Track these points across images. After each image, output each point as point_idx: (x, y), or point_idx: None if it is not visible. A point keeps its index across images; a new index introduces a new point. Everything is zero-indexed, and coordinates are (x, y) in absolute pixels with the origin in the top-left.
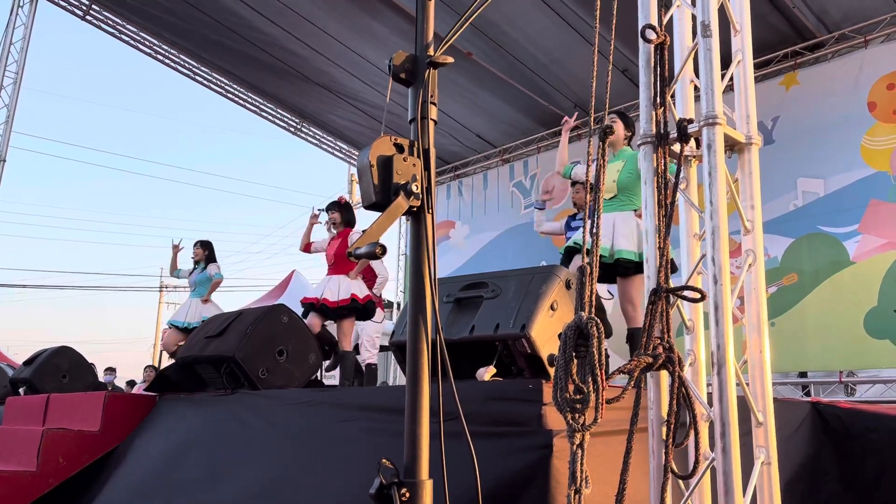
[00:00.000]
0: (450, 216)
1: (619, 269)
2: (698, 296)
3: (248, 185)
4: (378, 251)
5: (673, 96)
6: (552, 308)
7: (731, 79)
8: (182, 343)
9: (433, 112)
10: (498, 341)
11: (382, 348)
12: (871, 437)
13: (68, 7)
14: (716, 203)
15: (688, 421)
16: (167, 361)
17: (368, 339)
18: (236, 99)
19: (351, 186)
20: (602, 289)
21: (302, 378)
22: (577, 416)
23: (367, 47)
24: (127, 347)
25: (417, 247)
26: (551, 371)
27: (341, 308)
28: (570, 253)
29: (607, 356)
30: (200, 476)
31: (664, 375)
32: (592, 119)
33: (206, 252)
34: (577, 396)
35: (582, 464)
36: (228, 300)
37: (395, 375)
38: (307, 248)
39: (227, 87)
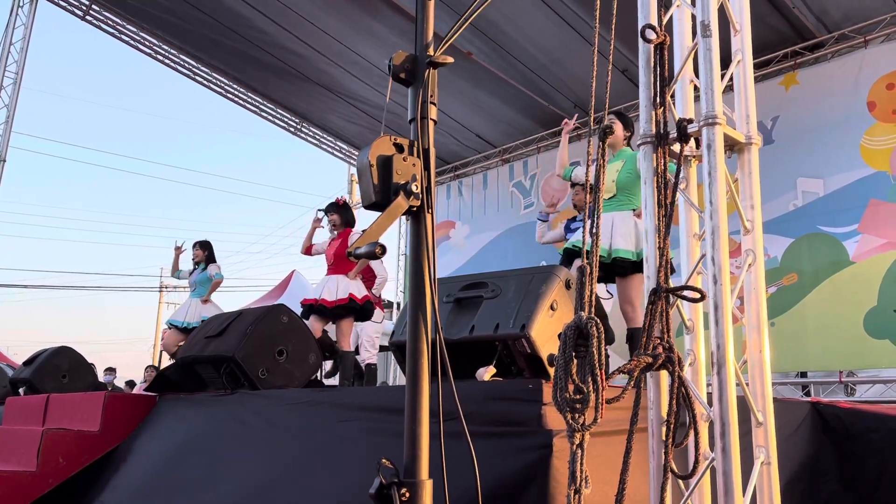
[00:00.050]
0: (450, 216)
1: (617, 269)
2: (698, 296)
3: (247, 185)
4: (378, 251)
5: (673, 96)
6: (552, 308)
7: (731, 79)
8: (182, 343)
9: (433, 112)
10: (498, 341)
11: (382, 348)
12: (871, 437)
13: (68, 7)
14: (715, 203)
15: (687, 421)
16: (167, 362)
17: (368, 339)
18: (236, 99)
19: (351, 186)
20: (601, 289)
21: (302, 378)
22: (576, 415)
23: (367, 47)
24: (127, 348)
25: (417, 247)
26: (551, 371)
27: (339, 308)
28: (569, 255)
29: (607, 356)
30: (200, 476)
31: (664, 375)
32: (592, 119)
33: (205, 253)
34: (577, 396)
35: (582, 464)
36: (228, 300)
37: (395, 375)
38: (308, 250)
39: (227, 87)
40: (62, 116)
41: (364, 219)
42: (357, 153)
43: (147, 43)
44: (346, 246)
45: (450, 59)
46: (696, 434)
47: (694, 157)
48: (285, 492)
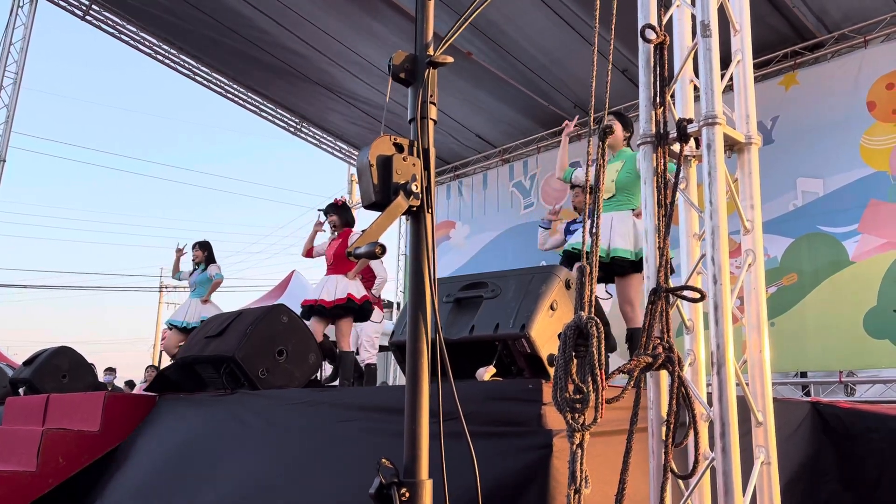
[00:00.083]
0: (450, 216)
1: (616, 269)
2: (698, 296)
3: (247, 185)
4: (378, 251)
5: (673, 96)
6: (552, 308)
7: (731, 79)
8: (183, 344)
9: (433, 112)
10: (498, 341)
11: (382, 348)
12: (871, 437)
13: (68, 7)
14: (715, 203)
15: (687, 421)
16: (168, 362)
17: (368, 339)
18: (236, 99)
19: (351, 186)
20: (600, 289)
21: (302, 378)
22: (576, 415)
23: (367, 47)
24: (127, 348)
25: (417, 247)
26: (551, 371)
27: (337, 308)
28: (569, 257)
29: (607, 356)
30: (200, 476)
31: (664, 375)
32: (592, 119)
33: (205, 253)
34: (577, 396)
35: (582, 463)
36: (228, 300)
37: (395, 375)
38: (309, 253)
39: (227, 87)
40: (62, 116)
41: (364, 219)
42: (357, 153)
43: (147, 43)
44: (346, 246)
45: (449, 59)
46: (696, 434)
47: (694, 156)
48: (285, 492)
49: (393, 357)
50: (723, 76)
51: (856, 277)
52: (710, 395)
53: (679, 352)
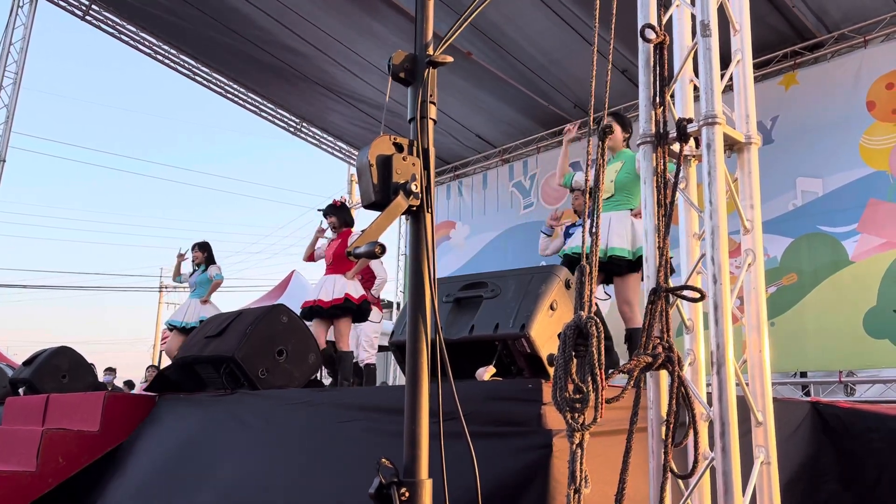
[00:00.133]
0: (450, 216)
1: (614, 268)
2: (698, 295)
3: (247, 185)
4: (377, 250)
5: (672, 96)
6: (552, 308)
7: (731, 78)
8: None
9: (433, 111)
10: (497, 341)
11: (382, 348)
12: (871, 436)
13: (68, 7)
14: (715, 203)
15: (687, 420)
16: (168, 362)
17: (366, 339)
18: (236, 99)
19: (350, 186)
20: (598, 290)
21: (302, 378)
22: (576, 415)
23: (367, 47)
24: (127, 348)
25: (417, 247)
26: (551, 371)
27: (335, 308)
28: (568, 261)
29: (608, 356)
30: (200, 476)
31: (664, 375)
32: (592, 119)
33: (205, 254)
34: (577, 396)
35: (581, 463)
36: (228, 301)
37: (394, 375)
38: (311, 257)
39: (226, 87)
40: (62, 116)
41: (364, 219)
42: (357, 153)
43: (147, 43)
44: (346, 246)
45: (449, 59)
46: (696, 434)
47: (693, 156)
48: (285, 492)
49: (393, 357)
50: (723, 76)
51: (855, 277)
52: (709, 394)
53: (679, 352)
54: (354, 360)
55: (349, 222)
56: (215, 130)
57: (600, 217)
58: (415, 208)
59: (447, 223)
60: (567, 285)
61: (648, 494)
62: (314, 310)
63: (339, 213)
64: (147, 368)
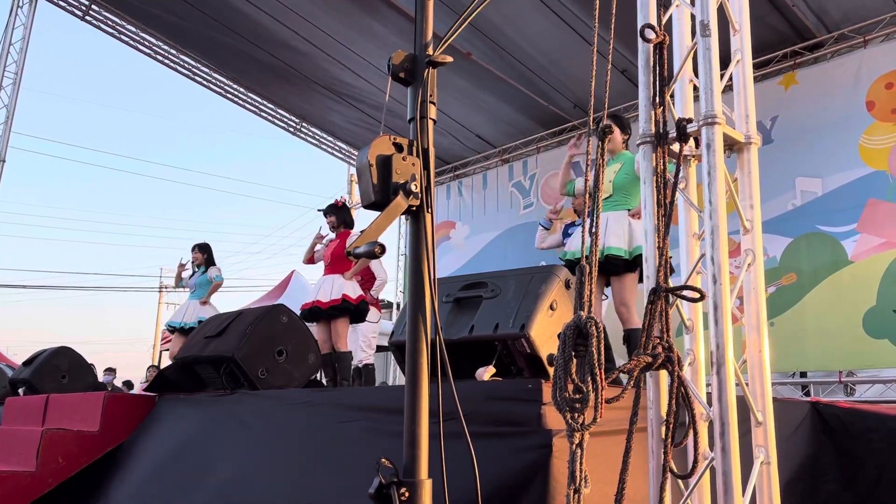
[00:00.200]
0: (450, 216)
1: (611, 268)
2: (697, 295)
3: (247, 185)
4: (377, 250)
5: (672, 96)
6: (551, 308)
7: (731, 78)
8: None
9: (432, 111)
10: (497, 341)
11: (382, 348)
12: (870, 437)
13: (68, 7)
14: (715, 202)
15: (687, 421)
16: (168, 362)
17: (364, 339)
18: (236, 99)
19: (350, 187)
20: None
21: (301, 378)
22: (576, 415)
23: (366, 47)
24: (126, 348)
25: (417, 247)
26: (551, 371)
27: (333, 308)
28: (568, 266)
29: (608, 355)
30: (200, 476)
31: (663, 375)
32: (591, 119)
33: (205, 255)
34: (577, 396)
35: (581, 463)
36: (227, 301)
37: (394, 375)
38: (310, 260)
39: (226, 87)
40: (61, 116)
41: (364, 220)
42: (357, 153)
43: (147, 43)
44: (345, 246)
45: (449, 59)
46: (696, 434)
47: (693, 156)
48: (285, 492)
49: (393, 357)
50: (722, 76)
51: (855, 277)
52: (709, 394)
53: (679, 352)
54: (355, 365)
55: (349, 223)
56: (215, 130)
57: (600, 217)
58: (414, 208)
59: (447, 223)
60: (567, 285)
61: (648, 494)
62: (313, 311)
63: (338, 213)
64: (148, 368)
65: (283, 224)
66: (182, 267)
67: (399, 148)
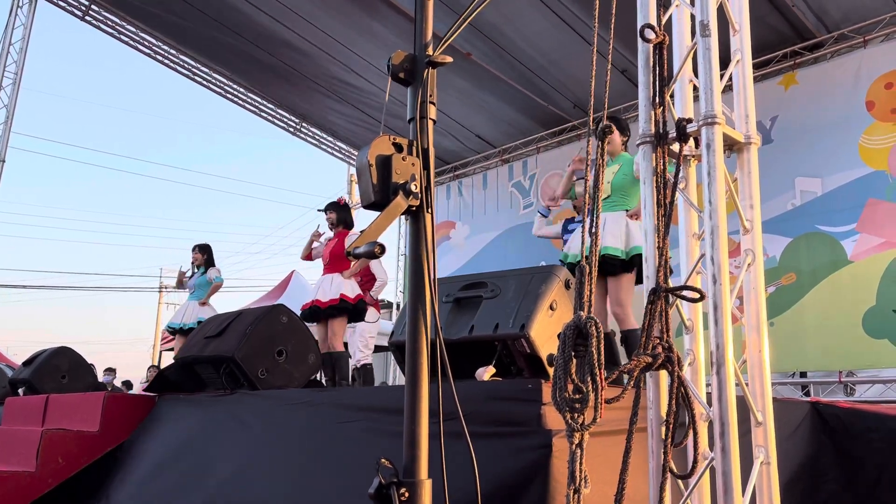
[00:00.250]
0: (450, 216)
1: (607, 267)
2: (697, 295)
3: (247, 185)
4: (377, 250)
5: (672, 96)
6: (551, 308)
7: (730, 78)
8: None
9: (432, 112)
10: (497, 341)
11: (382, 348)
12: (870, 437)
13: (68, 7)
14: (715, 202)
15: (687, 421)
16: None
17: (362, 339)
18: (235, 99)
19: (350, 187)
20: None
21: (301, 378)
22: (576, 415)
23: (366, 47)
24: (126, 348)
25: (417, 247)
26: (551, 371)
27: (331, 308)
28: (568, 268)
29: (609, 355)
30: (200, 476)
31: (663, 375)
32: (591, 119)
33: (205, 256)
34: (577, 396)
35: (581, 463)
36: (227, 301)
37: (394, 375)
38: (308, 257)
39: (226, 87)
40: (61, 116)
41: (364, 220)
42: (357, 153)
43: (147, 43)
44: (343, 246)
45: (448, 59)
46: (696, 434)
47: (693, 156)
48: (285, 492)
49: (392, 357)
50: (722, 76)
51: (854, 277)
52: (709, 395)
53: (679, 352)
54: (353, 365)
55: (348, 223)
56: (215, 130)
57: (599, 217)
58: (414, 208)
59: (447, 223)
60: (567, 285)
61: (648, 494)
62: (313, 311)
63: (339, 211)
64: (148, 368)
65: (283, 224)
66: (182, 274)
67: (399, 148)
